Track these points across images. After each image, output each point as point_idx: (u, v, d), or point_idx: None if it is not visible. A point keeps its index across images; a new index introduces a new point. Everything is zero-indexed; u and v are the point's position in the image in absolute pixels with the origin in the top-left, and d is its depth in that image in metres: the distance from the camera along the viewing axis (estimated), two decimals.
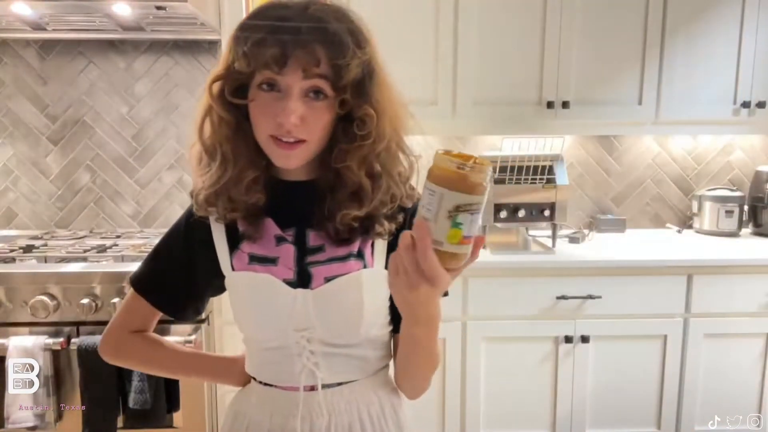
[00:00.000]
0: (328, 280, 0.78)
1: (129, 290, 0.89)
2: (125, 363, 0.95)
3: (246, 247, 0.80)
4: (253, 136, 0.75)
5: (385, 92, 0.76)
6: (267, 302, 0.79)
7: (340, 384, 0.82)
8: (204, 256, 0.83)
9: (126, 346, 0.89)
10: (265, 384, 0.84)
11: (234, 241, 0.81)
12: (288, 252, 0.79)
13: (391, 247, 0.82)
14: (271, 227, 0.80)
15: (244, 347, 0.88)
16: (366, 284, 0.79)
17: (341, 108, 0.73)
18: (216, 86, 0.74)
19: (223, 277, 0.82)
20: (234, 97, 0.73)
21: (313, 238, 0.80)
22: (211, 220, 0.81)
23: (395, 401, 0.88)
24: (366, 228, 0.78)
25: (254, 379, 0.87)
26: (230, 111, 0.74)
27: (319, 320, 0.78)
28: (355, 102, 0.73)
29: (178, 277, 0.86)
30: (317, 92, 0.72)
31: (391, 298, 0.82)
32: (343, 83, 0.71)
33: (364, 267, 0.80)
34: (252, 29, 0.70)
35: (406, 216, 0.82)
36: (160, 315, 0.89)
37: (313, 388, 0.80)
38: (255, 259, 0.80)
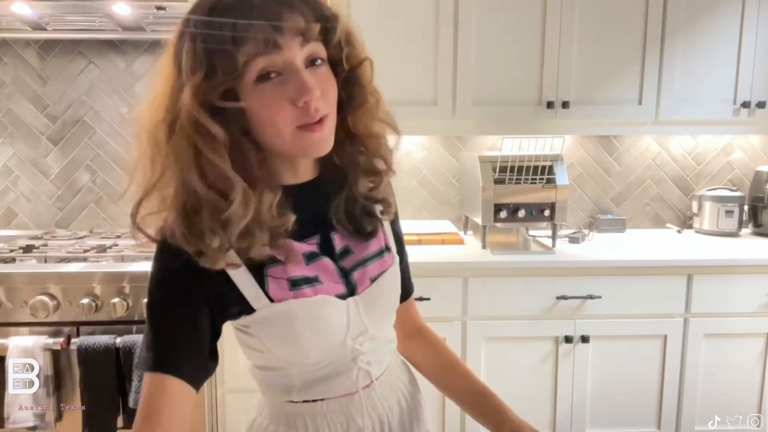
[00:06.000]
0: (373, 280, 0.77)
1: (145, 383, 0.66)
2: None
3: (279, 273, 0.70)
4: (248, 150, 0.65)
5: (362, 40, 0.71)
6: (326, 323, 0.72)
7: (382, 372, 0.84)
8: (221, 300, 0.69)
9: None
10: (312, 401, 0.78)
11: (257, 269, 0.69)
12: (327, 266, 0.74)
13: (397, 236, 0.86)
14: (295, 245, 0.71)
15: (259, 375, 0.79)
16: (398, 274, 0.83)
17: (347, 63, 0.68)
18: (195, 104, 0.60)
19: (246, 314, 0.70)
20: (213, 113, 0.61)
21: (338, 241, 0.76)
22: None
23: (408, 369, 0.94)
24: (378, 210, 0.79)
25: (290, 401, 0.78)
26: (224, 128, 0.62)
27: (370, 321, 0.78)
28: (352, 54, 0.68)
29: (197, 338, 0.68)
30: (314, 59, 0.65)
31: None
32: (338, 38, 0.66)
33: (393, 259, 0.82)
34: (221, 18, 0.60)
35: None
36: (192, 399, 0.67)
37: (367, 386, 0.80)
38: (298, 283, 0.70)
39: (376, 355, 0.80)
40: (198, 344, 0.68)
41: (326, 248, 0.75)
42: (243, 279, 0.69)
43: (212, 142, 0.61)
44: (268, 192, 0.66)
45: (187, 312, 0.67)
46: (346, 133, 0.72)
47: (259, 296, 0.69)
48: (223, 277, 0.68)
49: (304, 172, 0.74)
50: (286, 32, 0.61)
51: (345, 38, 0.67)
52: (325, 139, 0.66)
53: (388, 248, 0.81)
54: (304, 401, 0.78)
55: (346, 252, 0.76)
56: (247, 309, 0.70)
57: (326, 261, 0.74)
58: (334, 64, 0.68)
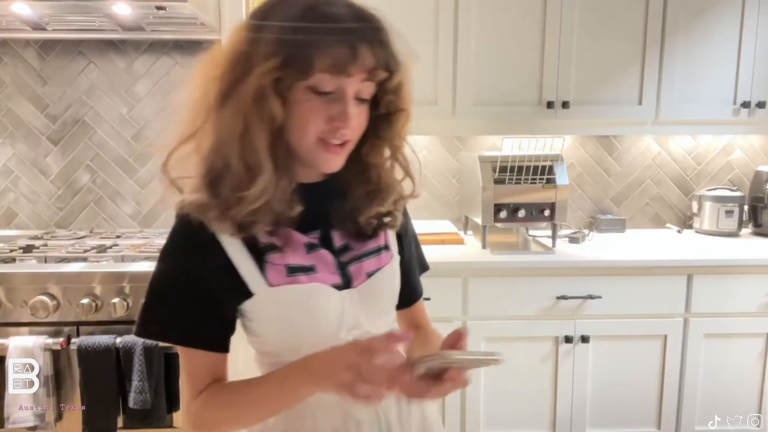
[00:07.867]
0: (370, 275, 0.81)
1: (180, 352, 0.79)
2: (225, 426, 0.77)
3: (278, 259, 0.75)
4: (281, 139, 0.71)
5: (410, 90, 0.78)
6: (319, 311, 0.77)
7: None
8: (222, 280, 0.75)
9: (208, 407, 0.76)
10: None
11: (257, 255, 0.75)
12: (326, 257, 0.79)
13: (399, 237, 0.90)
14: (297, 235, 0.77)
15: (261, 363, 0.83)
16: (396, 272, 0.87)
17: (384, 108, 0.75)
18: (267, 82, 0.67)
19: (246, 298, 0.75)
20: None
21: (338, 239, 0.81)
22: (222, 237, 0.74)
23: None
24: (383, 222, 0.83)
25: None
26: (283, 112, 0.69)
27: (366, 316, 0.81)
28: (398, 102, 0.76)
29: (205, 309, 0.76)
30: (362, 97, 0.73)
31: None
32: (392, 85, 0.73)
33: (391, 257, 0.86)
34: (312, 27, 0.67)
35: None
36: (221, 358, 0.79)
37: None
38: (295, 270, 0.76)
39: None
40: (203, 314, 0.76)
41: (325, 243, 0.80)
42: (244, 263, 0.74)
43: (268, 121, 0.68)
44: (285, 181, 0.73)
45: (188, 287, 0.75)
46: (357, 157, 0.79)
47: (258, 280, 0.74)
48: (226, 263, 0.74)
49: (310, 175, 0.80)
50: (360, 66, 0.68)
51: (395, 87, 0.74)
52: (336, 161, 0.74)
53: (387, 247, 0.86)
54: None
55: (345, 248, 0.81)
56: (246, 293, 0.75)
57: (325, 252, 0.79)
58: (377, 98, 0.75)
